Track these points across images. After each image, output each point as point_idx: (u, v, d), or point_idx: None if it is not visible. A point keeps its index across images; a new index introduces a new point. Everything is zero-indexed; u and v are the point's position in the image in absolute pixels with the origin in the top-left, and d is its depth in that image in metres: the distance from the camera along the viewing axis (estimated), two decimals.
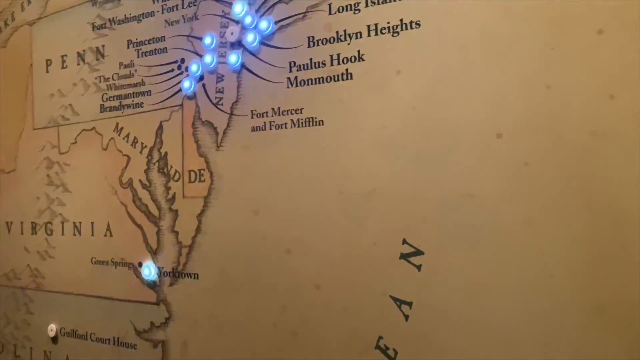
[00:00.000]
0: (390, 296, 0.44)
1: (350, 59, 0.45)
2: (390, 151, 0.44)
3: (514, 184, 0.39)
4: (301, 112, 0.48)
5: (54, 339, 0.68)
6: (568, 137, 0.37)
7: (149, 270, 0.58)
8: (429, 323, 0.42)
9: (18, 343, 0.72)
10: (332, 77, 0.46)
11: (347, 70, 0.46)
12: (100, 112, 0.62)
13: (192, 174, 0.55)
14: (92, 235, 0.63)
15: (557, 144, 0.38)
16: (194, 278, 0.55)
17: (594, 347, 0.36)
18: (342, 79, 0.46)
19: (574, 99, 0.37)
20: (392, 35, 0.44)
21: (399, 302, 0.44)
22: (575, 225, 0.37)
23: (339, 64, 0.46)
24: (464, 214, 0.41)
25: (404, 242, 0.43)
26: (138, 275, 0.59)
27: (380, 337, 0.44)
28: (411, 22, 0.43)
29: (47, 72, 0.67)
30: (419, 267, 0.43)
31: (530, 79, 0.38)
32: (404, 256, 0.43)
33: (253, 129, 0.51)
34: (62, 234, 0.66)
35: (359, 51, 0.45)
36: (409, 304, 0.43)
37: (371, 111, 0.45)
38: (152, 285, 0.58)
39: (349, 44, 0.46)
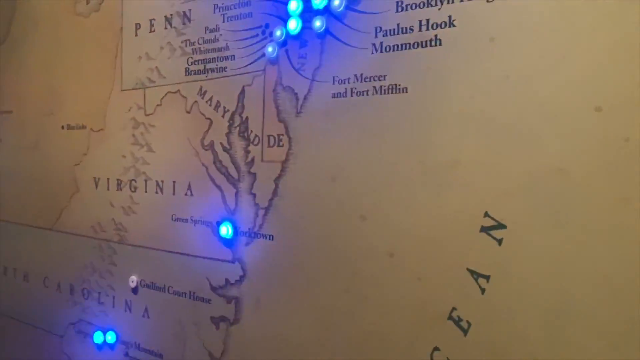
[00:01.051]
0: (468, 269, 0.43)
1: (441, 24, 0.44)
2: (478, 122, 0.43)
3: (611, 161, 0.37)
4: (384, 79, 0.48)
5: (135, 290, 0.72)
6: None
7: (227, 229, 0.60)
8: (506, 298, 0.42)
9: (102, 291, 0.77)
10: (420, 44, 0.46)
11: (436, 36, 0.45)
12: (185, 75, 0.64)
13: (272, 138, 0.56)
14: (174, 194, 0.66)
15: None
16: (269, 239, 0.57)
17: None
18: (431, 45, 0.45)
19: None
20: (487, 1, 0.42)
21: (476, 275, 0.43)
22: None
23: (427, 29, 0.45)
24: (554, 189, 0.39)
25: (486, 214, 0.42)
26: (216, 233, 0.62)
27: (454, 309, 0.44)
28: None
29: (136, 35, 0.70)
30: (499, 241, 0.42)
31: (637, 48, 0.36)
32: (485, 229, 0.43)
33: (334, 96, 0.51)
34: (145, 192, 0.70)
35: (450, 16, 0.44)
36: (487, 277, 0.42)
37: (460, 80, 0.44)
38: (228, 244, 0.60)
39: (439, 9, 0.44)
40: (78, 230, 0.80)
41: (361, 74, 0.49)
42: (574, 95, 0.39)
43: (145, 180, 0.70)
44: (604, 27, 0.37)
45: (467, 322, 0.43)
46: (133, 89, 0.71)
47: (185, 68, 0.64)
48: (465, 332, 0.43)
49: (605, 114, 0.37)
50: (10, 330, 0.92)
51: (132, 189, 0.72)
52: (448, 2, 0.44)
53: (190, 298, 0.65)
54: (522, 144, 0.41)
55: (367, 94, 0.49)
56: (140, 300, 0.71)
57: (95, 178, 0.77)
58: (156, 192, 0.68)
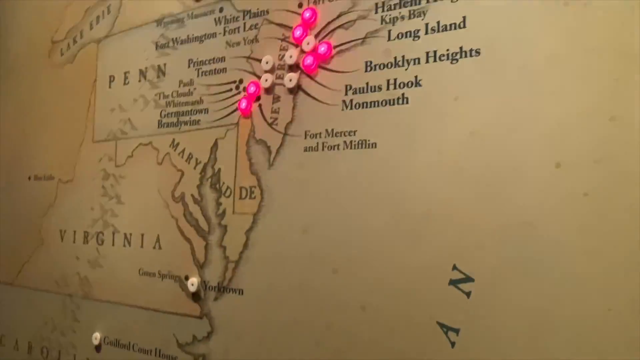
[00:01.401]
0: (437, 322, 0.43)
1: (407, 84, 0.46)
2: (447, 175, 0.44)
3: (573, 215, 0.38)
4: (354, 134, 0.49)
5: (98, 348, 0.69)
6: (631, 169, 0.37)
7: (195, 284, 0.59)
8: (476, 352, 0.42)
9: (62, 349, 0.73)
10: (388, 101, 0.47)
11: (403, 94, 0.46)
12: (158, 127, 0.65)
13: (244, 190, 0.56)
14: (142, 246, 0.65)
15: (619, 176, 0.37)
16: (239, 294, 0.56)
17: None
18: (398, 103, 0.47)
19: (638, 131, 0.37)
20: (451, 63, 0.44)
21: (445, 328, 0.43)
22: (636, 258, 0.36)
23: (395, 88, 0.47)
24: (522, 242, 0.40)
25: (454, 267, 0.43)
26: (184, 288, 0.60)
27: None
28: (471, 50, 0.43)
29: (110, 87, 0.71)
30: (468, 294, 0.42)
31: (595, 110, 0.38)
32: (453, 282, 0.43)
33: (306, 149, 0.52)
34: (113, 244, 0.68)
35: (416, 77, 0.46)
36: (456, 330, 0.42)
37: (427, 135, 0.45)
38: (196, 299, 0.59)
39: (406, 69, 0.46)
40: (40, 285, 0.77)
41: (332, 129, 0.50)
42: (536, 152, 0.40)
43: (113, 233, 0.68)
44: (564, 89, 0.39)
45: None
46: (105, 140, 0.71)
47: (158, 120, 0.65)
48: None
49: (564, 169, 0.39)
50: None
51: (99, 242, 0.70)
52: (414, 63, 0.46)
53: (155, 356, 0.63)
54: (490, 197, 0.42)
55: (338, 148, 0.50)
56: (104, 359, 0.68)
57: (61, 230, 0.75)
58: (124, 245, 0.67)
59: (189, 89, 0.62)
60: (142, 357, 0.64)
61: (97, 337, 0.69)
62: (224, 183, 0.58)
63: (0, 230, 0.84)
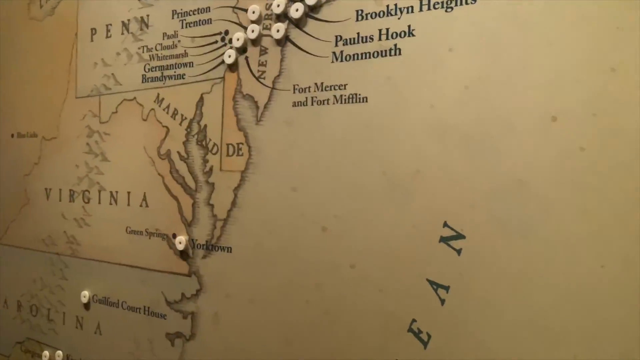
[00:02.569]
0: (427, 279, 0.43)
1: (400, 34, 0.44)
2: (439, 132, 0.42)
3: (568, 171, 0.37)
4: (345, 88, 0.47)
5: (86, 305, 0.69)
6: (630, 123, 0.35)
7: (183, 242, 0.58)
8: (466, 309, 0.41)
9: (52, 307, 0.73)
10: (380, 53, 0.45)
11: (395, 45, 0.44)
12: (142, 82, 0.62)
13: (231, 147, 0.55)
14: (128, 205, 0.64)
15: (618, 129, 0.36)
16: (228, 252, 0.55)
17: None
18: (390, 55, 0.45)
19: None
20: (446, 11, 0.42)
21: (435, 285, 0.42)
22: (632, 215, 0.35)
23: (387, 38, 0.45)
24: (514, 200, 0.39)
25: (445, 224, 0.42)
26: (172, 246, 0.59)
27: (414, 320, 0.43)
28: None
29: (92, 40, 0.68)
30: (459, 252, 0.42)
31: (594, 61, 0.36)
32: (444, 239, 0.42)
33: (294, 104, 0.50)
34: (99, 203, 0.67)
35: (409, 26, 0.44)
36: (446, 288, 0.42)
37: (420, 89, 0.43)
38: (185, 257, 0.58)
39: (399, 18, 0.44)
40: (27, 243, 0.76)
41: (322, 83, 0.49)
42: (531, 105, 0.39)
43: (99, 191, 0.67)
44: (560, 39, 0.38)
45: (427, 334, 0.43)
46: (88, 96, 0.69)
47: (142, 75, 0.62)
48: (425, 344, 0.43)
49: (560, 123, 0.38)
50: None
51: (86, 200, 0.69)
52: (408, 12, 0.44)
53: (145, 314, 0.62)
54: (482, 154, 0.41)
55: (328, 103, 0.48)
56: (93, 316, 0.68)
57: (46, 189, 0.74)
58: (110, 204, 0.66)
59: (173, 42, 0.59)
60: (131, 314, 0.63)
61: (85, 295, 0.68)
62: (210, 140, 0.56)
63: None
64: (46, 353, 0.72)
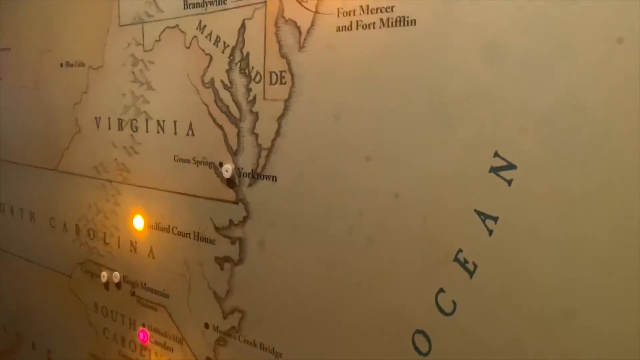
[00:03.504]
0: (475, 210, 0.42)
1: None
2: (492, 55, 0.40)
3: (632, 95, 0.35)
4: (392, 10, 0.45)
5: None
6: None
7: (229, 170, 0.59)
8: (514, 240, 0.40)
9: (107, 231, 0.77)
10: None
11: None
12: (184, 8, 0.61)
13: (274, 75, 0.54)
14: (175, 133, 0.65)
15: None
16: (273, 180, 0.56)
17: None
18: None
19: None
20: None
21: (483, 216, 0.42)
22: None
23: None
24: (570, 126, 0.37)
25: (496, 154, 0.41)
26: (219, 174, 0.60)
27: (460, 250, 0.43)
28: None
29: None
30: (509, 182, 0.40)
31: None
32: (494, 169, 0.41)
33: (338, 29, 0.48)
34: (147, 131, 0.68)
35: None
36: (495, 218, 0.41)
37: (471, 10, 0.41)
38: (231, 185, 0.59)
39: None
40: (81, 170, 0.79)
41: (367, 5, 0.46)
42: (594, 26, 0.36)
43: (146, 120, 0.68)
44: None
45: (474, 264, 0.42)
46: (131, 24, 0.68)
47: (184, 1, 0.61)
48: (471, 274, 0.43)
49: (627, 45, 0.35)
50: (17, 269, 0.94)
51: (134, 129, 0.70)
52: None
53: (194, 239, 0.65)
54: (536, 78, 0.38)
55: (374, 27, 0.46)
56: (145, 240, 0.71)
57: (96, 118, 0.75)
58: (157, 132, 0.67)
59: None
60: (181, 239, 0.66)
61: (138, 220, 0.71)
62: (253, 68, 0.55)
63: (39, 118, 0.85)
64: (104, 274, 0.77)
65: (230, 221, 0.60)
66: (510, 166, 0.40)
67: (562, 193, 0.38)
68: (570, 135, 0.37)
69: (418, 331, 0.46)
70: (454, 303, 0.44)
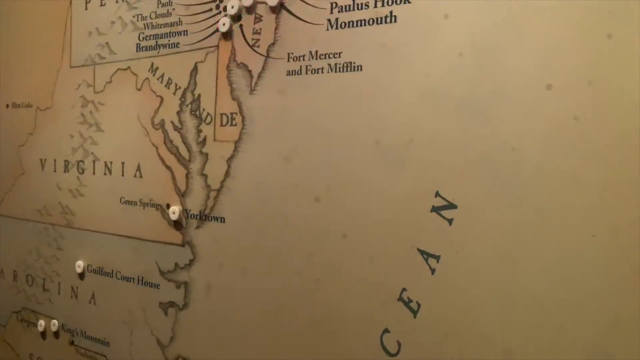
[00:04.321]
0: (418, 249, 0.43)
1: (396, 1, 0.43)
2: (433, 100, 0.42)
3: (562, 140, 0.37)
4: (339, 56, 0.47)
5: (81, 275, 0.69)
6: (626, 91, 0.35)
7: (177, 212, 0.58)
8: (456, 278, 0.41)
9: (47, 277, 0.73)
10: (375, 20, 0.45)
11: (391, 12, 0.44)
12: (136, 51, 0.62)
13: (224, 117, 0.54)
14: (123, 175, 0.64)
15: (613, 98, 0.35)
16: (221, 222, 0.55)
17: (632, 314, 0.34)
18: (386, 22, 0.44)
19: (637, 50, 0.34)
20: None
21: (426, 255, 0.42)
22: (624, 186, 0.35)
23: (383, 5, 0.44)
24: (507, 168, 0.39)
25: (437, 194, 0.42)
26: (165, 216, 0.59)
27: (404, 289, 0.43)
28: None
29: (86, 9, 0.67)
30: (450, 221, 0.41)
31: (590, 27, 0.36)
32: (436, 209, 0.42)
33: (288, 73, 0.50)
34: (93, 173, 0.67)
35: None
36: (437, 257, 0.42)
37: (415, 57, 0.43)
38: (178, 227, 0.58)
39: None
40: (23, 214, 0.76)
41: (316, 51, 0.48)
42: (526, 73, 0.38)
43: (94, 161, 0.67)
44: (556, 6, 0.37)
45: (417, 302, 0.43)
46: (83, 66, 0.68)
47: (137, 44, 0.62)
48: (415, 313, 0.43)
49: (555, 92, 0.37)
50: None
51: (80, 171, 0.69)
52: None
53: (138, 283, 0.62)
54: (475, 122, 0.40)
55: (322, 72, 0.48)
56: (87, 286, 0.68)
57: (41, 159, 0.74)
58: (104, 174, 0.66)
59: (168, 10, 0.59)
60: (125, 284, 0.64)
61: (80, 265, 0.68)
62: (204, 109, 0.56)
63: None
64: (42, 322, 0.73)
65: (176, 264, 0.59)
66: (451, 206, 0.41)
67: (499, 233, 0.39)
68: (506, 177, 0.39)
69: None
70: (399, 343, 0.43)
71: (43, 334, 0.73)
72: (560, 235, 0.37)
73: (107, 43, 0.65)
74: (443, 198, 0.42)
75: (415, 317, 0.43)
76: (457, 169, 0.41)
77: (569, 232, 0.37)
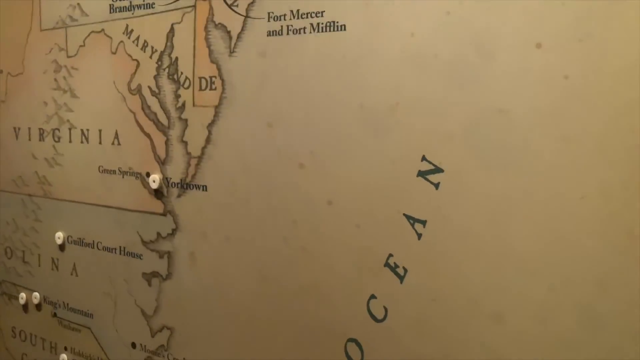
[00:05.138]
0: (404, 214, 0.42)
1: None
2: (419, 62, 0.41)
3: (551, 99, 0.36)
4: (322, 15, 0.45)
5: (61, 247, 0.67)
6: (618, 48, 0.34)
7: (157, 181, 0.56)
8: (442, 243, 0.41)
9: (26, 250, 0.72)
10: None
11: None
12: (110, 12, 0.59)
13: (203, 81, 0.52)
14: (100, 143, 0.62)
15: (604, 55, 0.34)
16: (203, 190, 0.54)
17: (622, 274, 0.34)
18: None
19: (631, 5, 0.33)
20: None
21: (412, 220, 0.42)
22: (614, 146, 0.34)
23: None
24: (494, 131, 0.38)
25: (423, 158, 0.41)
26: (145, 185, 0.58)
27: (390, 255, 0.43)
28: None
29: None
30: (437, 185, 0.40)
31: None
32: (422, 173, 0.41)
33: (269, 34, 0.48)
34: (70, 141, 0.65)
35: None
36: (423, 222, 0.41)
37: (401, 15, 0.41)
38: (159, 196, 0.57)
39: None
40: None
41: (297, 10, 0.46)
42: (515, 32, 0.37)
43: (70, 129, 0.64)
44: None
45: (404, 268, 0.42)
46: (54, 29, 0.65)
47: (110, 5, 0.59)
48: (401, 278, 0.42)
49: (545, 50, 0.36)
50: None
51: (56, 139, 0.66)
52: None
53: (120, 254, 0.61)
54: (463, 83, 0.39)
55: (304, 32, 0.46)
56: (68, 257, 0.67)
57: (15, 128, 0.71)
58: (81, 142, 0.64)
59: None
60: (107, 255, 0.62)
61: (60, 236, 0.67)
62: (182, 73, 0.54)
63: None
64: (23, 295, 0.72)
65: (158, 234, 0.57)
66: (437, 170, 0.40)
67: (488, 196, 0.39)
68: (494, 139, 0.38)
69: (350, 339, 0.45)
70: (385, 309, 0.43)
71: (25, 307, 0.72)
72: (549, 197, 0.36)
73: (78, 4, 0.62)
74: (429, 162, 0.41)
75: (402, 282, 0.42)
76: (443, 133, 0.40)
77: (558, 193, 0.36)
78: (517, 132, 0.37)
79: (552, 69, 0.36)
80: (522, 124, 0.37)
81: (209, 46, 0.51)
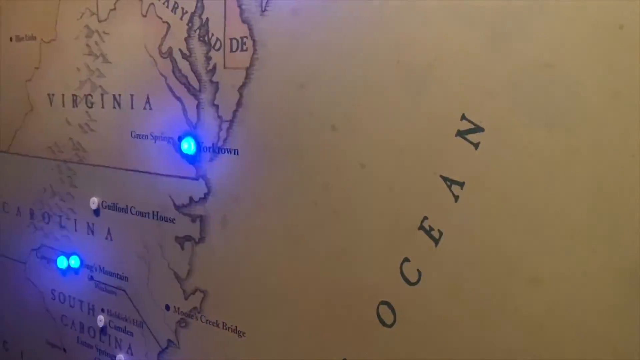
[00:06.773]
0: (441, 175, 0.41)
1: None
2: (460, 14, 0.39)
3: (603, 52, 0.34)
4: None
5: (96, 212, 0.68)
6: None
7: (189, 145, 0.56)
8: (480, 205, 0.39)
9: (63, 215, 0.73)
10: None
11: None
12: None
13: (234, 42, 0.51)
14: (132, 108, 0.62)
15: None
16: (234, 154, 0.53)
17: None
18: None
19: None
20: None
21: (449, 181, 0.40)
22: None
23: None
24: (539, 87, 0.36)
25: (463, 117, 0.39)
26: (177, 150, 0.58)
27: (425, 218, 0.42)
28: None
29: None
30: (476, 145, 0.39)
31: None
32: (461, 133, 0.39)
33: None
34: (103, 107, 0.65)
35: None
36: (461, 184, 0.40)
37: None
38: (191, 160, 0.56)
39: None
40: (35, 151, 0.75)
41: None
42: None
43: (102, 95, 0.65)
44: None
45: (439, 231, 0.41)
46: None
47: None
48: (436, 242, 0.41)
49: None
50: None
51: (89, 105, 0.67)
52: None
53: (153, 218, 0.62)
54: (506, 37, 0.37)
55: None
56: (103, 222, 0.68)
57: (49, 94, 0.72)
58: (114, 107, 0.64)
59: None
60: (140, 219, 0.63)
61: (94, 201, 0.68)
62: (213, 34, 0.53)
63: None
64: (61, 259, 0.73)
65: (191, 198, 0.57)
66: (478, 129, 0.39)
67: (530, 156, 0.37)
68: (539, 96, 0.36)
69: (383, 302, 0.44)
70: (419, 272, 0.42)
71: (63, 271, 0.74)
72: (596, 155, 0.34)
73: None
74: (469, 121, 0.39)
75: (436, 246, 0.41)
76: (485, 89, 0.38)
77: (606, 152, 0.34)
78: (564, 88, 0.35)
79: (605, 19, 0.33)
80: (570, 79, 0.35)
81: (240, 5, 0.50)
